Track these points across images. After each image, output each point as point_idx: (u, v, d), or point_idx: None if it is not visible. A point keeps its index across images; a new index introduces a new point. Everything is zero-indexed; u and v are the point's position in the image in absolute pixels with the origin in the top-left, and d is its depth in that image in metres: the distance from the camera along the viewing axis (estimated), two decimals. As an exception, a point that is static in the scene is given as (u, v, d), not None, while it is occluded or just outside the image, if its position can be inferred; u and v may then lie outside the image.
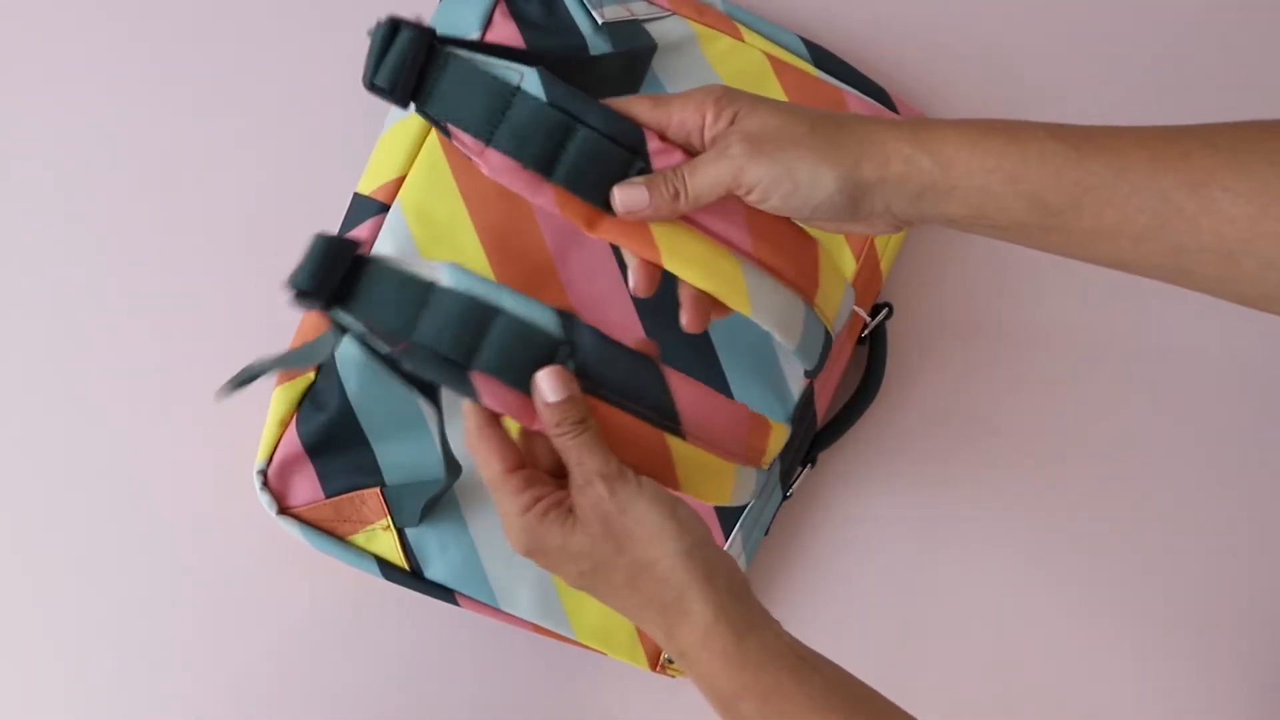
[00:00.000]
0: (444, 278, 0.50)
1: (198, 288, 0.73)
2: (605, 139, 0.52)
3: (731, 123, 0.52)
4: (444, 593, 0.69)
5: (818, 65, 0.73)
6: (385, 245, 0.68)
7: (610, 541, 0.50)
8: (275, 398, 0.68)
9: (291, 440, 0.68)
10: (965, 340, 0.78)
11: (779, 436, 0.59)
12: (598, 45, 0.70)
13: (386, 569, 0.69)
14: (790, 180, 0.50)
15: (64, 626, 0.72)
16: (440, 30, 0.69)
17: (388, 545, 0.69)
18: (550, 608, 0.70)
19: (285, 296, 0.71)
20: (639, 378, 0.53)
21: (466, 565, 0.69)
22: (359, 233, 0.68)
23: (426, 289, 0.50)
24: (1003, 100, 0.78)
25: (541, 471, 0.53)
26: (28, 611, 0.72)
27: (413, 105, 0.53)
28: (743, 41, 0.72)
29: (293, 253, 0.71)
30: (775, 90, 0.72)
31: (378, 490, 0.68)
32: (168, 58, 0.73)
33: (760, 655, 0.50)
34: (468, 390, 0.51)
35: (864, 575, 0.77)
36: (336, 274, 0.49)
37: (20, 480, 0.72)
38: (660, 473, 0.53)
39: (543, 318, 0.51)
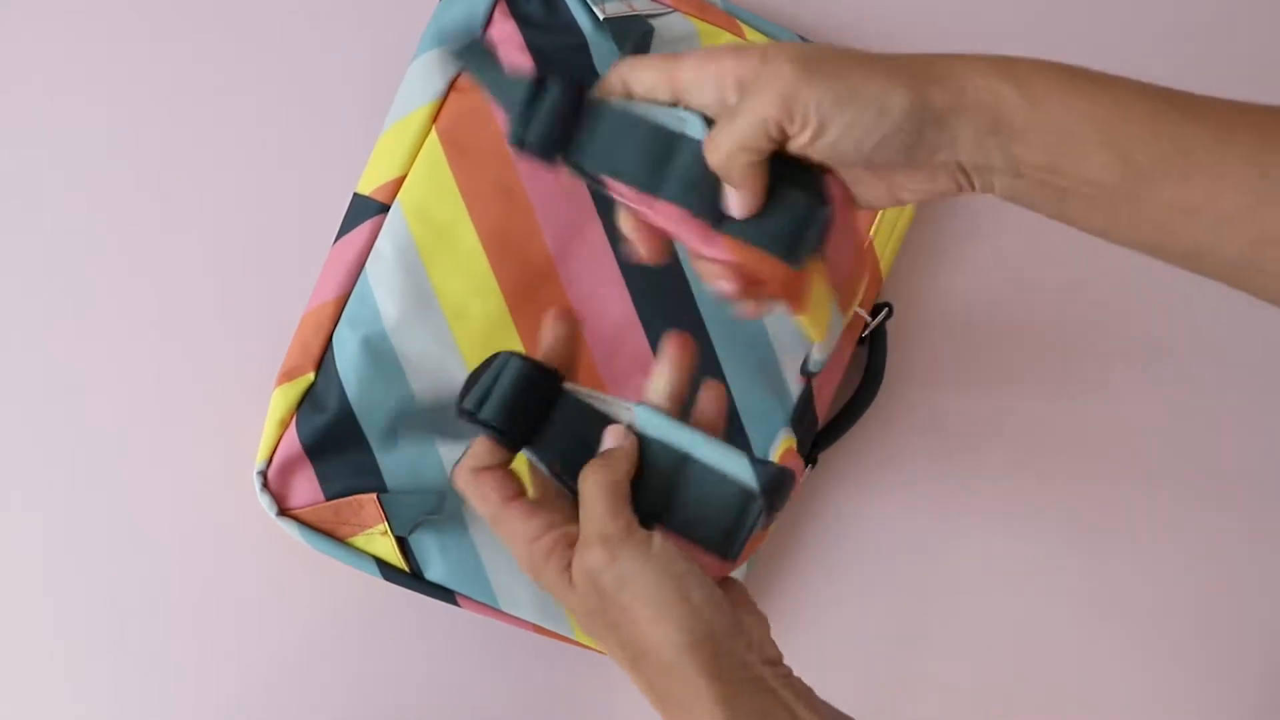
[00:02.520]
0: (634, 418, 0.50)
1: (197, 288, 0.72)
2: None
3: (766, 57, 0.45)
4: (444, 594, 0.69)
5: (819, 64, 0.73)
6: (386, 245, 0.68)
7: (604, 616, 0.45)
8: (275, 398, 0.68)
9: (291, 441, 0.68)
10: (966, 340, 0.78)
11: None
12: (599, 43, 0.70)
13: (386, 570, 0.69)
14: (855, 104, 0.43)
15: (63, 627, 0.72)
16: (438, 28, 0.69)
17: (387, 548, 0.68)
18: (550, 607, 0.70)
19: (283, 297, 0.71)
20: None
21: (467, 566, 0.69)
22: (359, 234, 0.68)
23: (680, 461, 0.49)
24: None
25: (551, 502, 0.49)
26: (26, 614, 0.72)
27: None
28: (744, 39, 0.72)
29: (292, 253, 0.72)
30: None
31: (375, 497, 0.67)
32: (166, 57, 0.73)
33: None
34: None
35: (864, 575, 0.77)
36: (532, 413, 0.50)
37: (19, 480, 0.72)
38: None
39: (737, 468, 0.49)
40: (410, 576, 0.69)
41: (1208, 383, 0.79)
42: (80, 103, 0.72)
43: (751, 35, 0.72)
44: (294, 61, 0.73)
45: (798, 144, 0.45)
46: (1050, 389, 0.78)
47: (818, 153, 0.45)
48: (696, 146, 0.47)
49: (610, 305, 0.70)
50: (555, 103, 0.48)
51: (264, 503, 0.68)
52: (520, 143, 0.49)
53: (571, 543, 0.46)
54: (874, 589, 0.77)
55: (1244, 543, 0.80)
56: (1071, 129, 0.43)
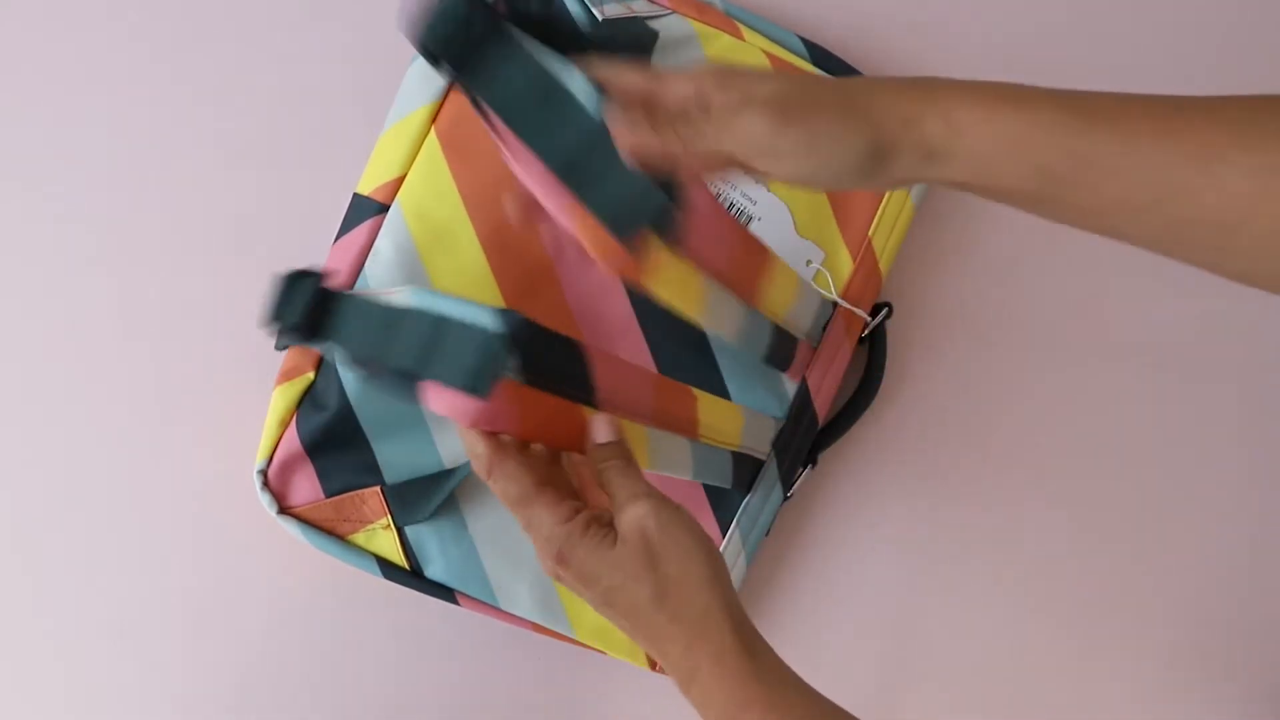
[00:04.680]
0: (406, 299, 0.49)
1: (197, 288, 0.73)
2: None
3: (742, 99, 0.50)
4: (444, 592, 0.69)
5: (817, 65, 0.73)
6: (385, 245, 0.68)
7: (646, 556, 0.51)
8: (275, 397, 0.68)
9: (291, 440, 0.68)
10: (965, 339, 0.78)
11: (713, 409, 0.61)
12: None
13: (386, 568, 0.69)
14: (819, 149, 0.49)
15: (65, 629, 0.72)
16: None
17: (388, 544, 0.69)
18: (550, 606, 0.70)
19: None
20: (569, 363, 0.53)
21: (467, 564, 0.69)
22: (359, 234, 0.68)
23: (392, 314, 0.49)
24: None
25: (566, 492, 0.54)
26: (28, 614, 0.72)
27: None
28: (743, 40, 0.72)
29: (292, 252, 0.72)
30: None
31: (378, 489, 0.68)
32: (167, 58, 0.73)
33: (771, 674, 0.52)
34: (416, 399, 0.50)
35: (865, 575, 0.77)
36: (301, 308, 0.49)
37: (20, 481, 0.72)
38: (572, 440, 0.54)
39: (483, 318, 0.48)
40: (410, 574, 0.69)
41: (1215, 382, 0.79)
42: (83, 103, 0.73)
43: (750, 37, 0.72)
44: (294, 62, 0.73)
45: (768, 170, 0.50)
46: (1050, 388, 0.78)
47: (783, 178, 0.50)
48: (586, 119, 0.50)
49: (609, 306, 0.70)
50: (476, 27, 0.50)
51: (264, 501, 0.68)
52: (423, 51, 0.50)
53: (601, 519, 0.52)
54: (875, 589, 0.77)
55: (1244, 542, 0.79)
56: (991, 151, 0.48)
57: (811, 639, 0.76)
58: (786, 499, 0.73)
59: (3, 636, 0.72)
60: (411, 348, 0.48)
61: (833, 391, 0.73)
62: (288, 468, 0.68)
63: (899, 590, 0.77)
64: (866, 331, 0.73)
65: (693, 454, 0.63)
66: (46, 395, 0.72)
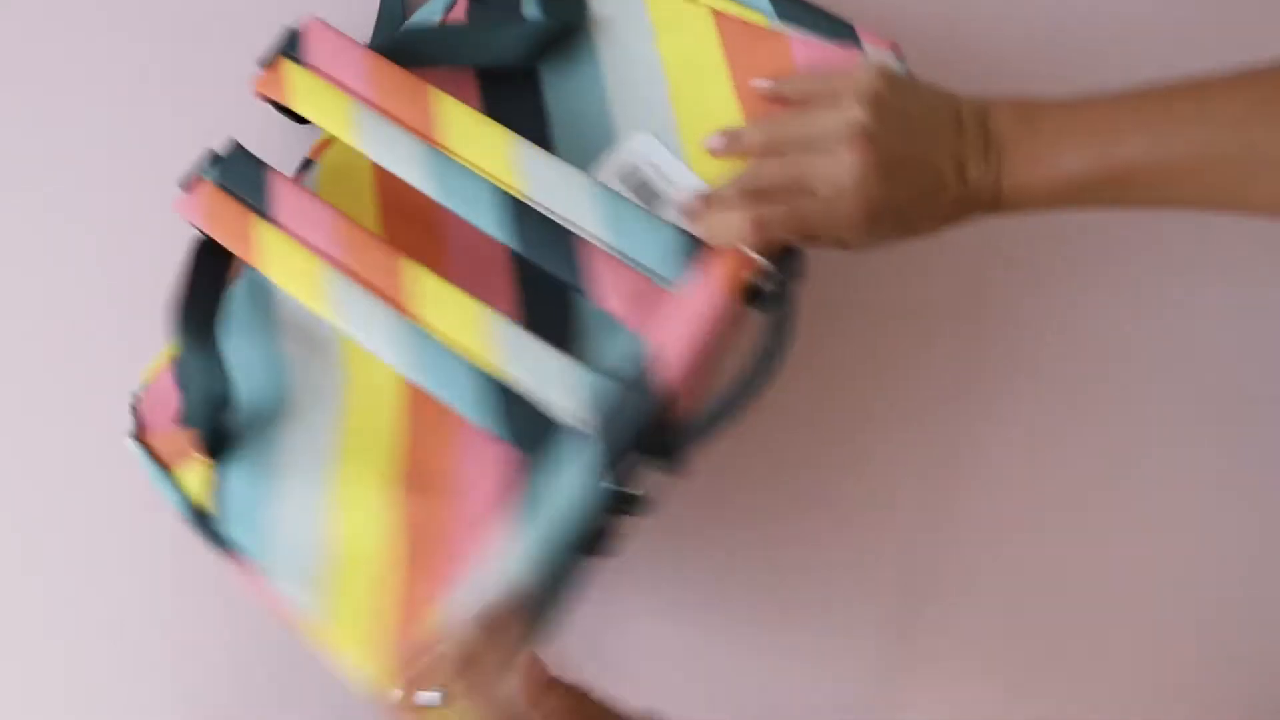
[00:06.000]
0: None
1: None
2: None
3: None
4: (228, 551, 0.61)
5: (781, 16, 0.64)
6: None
7: None
8: None
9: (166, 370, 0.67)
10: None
11: (437, 294, 0.60)
12: (533, 14, 0.68)
13: (191, 511, 0.63)
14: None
15: (66, 630, 0.72)
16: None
17: (197, 482, 0.63)
18: (313, 584, 0.58)
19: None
20: (251, 176, 0.64)
21: (257, 520, 0.60)
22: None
23: None
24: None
25: None
26: (27, 613, 0.73)
27: None
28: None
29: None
30: (715, 55, 0.65)
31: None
32: (166, 58, 0.77)
33: None
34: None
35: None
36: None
37: (20, 480, 0.74)
38: (241, 246, 0.63)
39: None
40: (200, 521, 0.62)
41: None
42: (77, 106, 0.77)
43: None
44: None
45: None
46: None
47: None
48: None
49: (490, 270, 0.64)
50: None
51: (128, 427, 0.66)
52: None
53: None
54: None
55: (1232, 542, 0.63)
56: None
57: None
58: (629, 499, 0.54)
59: (3, 636, 0.72)
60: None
61: (691, 361, 0.55)
62: (159, 396, 0.66)
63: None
64: (756, 289, 0.55)
65: (405, 335, 0.59)
66: (46, 394, 0.74)
